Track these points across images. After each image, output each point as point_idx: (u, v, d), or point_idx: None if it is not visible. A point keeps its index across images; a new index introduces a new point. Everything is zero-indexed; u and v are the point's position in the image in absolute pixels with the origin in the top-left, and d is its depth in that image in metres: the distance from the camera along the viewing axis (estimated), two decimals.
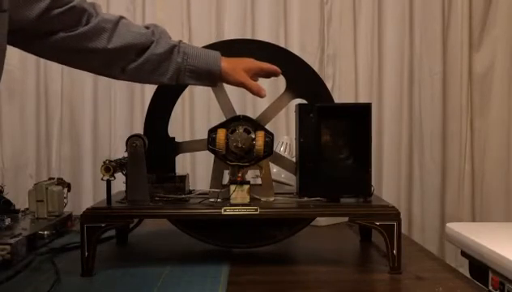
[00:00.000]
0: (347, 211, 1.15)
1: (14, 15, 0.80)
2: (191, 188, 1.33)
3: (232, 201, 1.15)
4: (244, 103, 2.02)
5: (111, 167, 1.14)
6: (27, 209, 1.45)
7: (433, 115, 2.09)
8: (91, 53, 0.96)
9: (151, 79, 1.06)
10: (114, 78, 1.06)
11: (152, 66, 1.02)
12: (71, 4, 0.91)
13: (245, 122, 1.19)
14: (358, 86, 2.09)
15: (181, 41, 1.06)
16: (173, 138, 1.29)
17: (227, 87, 1.28)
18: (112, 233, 1.31)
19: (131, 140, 1.15)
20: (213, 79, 1.07)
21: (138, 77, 1.05)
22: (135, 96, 2.03)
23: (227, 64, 1.07)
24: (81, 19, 0.93)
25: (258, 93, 1.11)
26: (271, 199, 1.21)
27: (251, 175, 1.30)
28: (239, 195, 1.15)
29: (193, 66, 1.04)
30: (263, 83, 2.06)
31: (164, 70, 1.03)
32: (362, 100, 2.05)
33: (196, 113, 2.05)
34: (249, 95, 1.95)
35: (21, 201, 1.49)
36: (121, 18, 1.00)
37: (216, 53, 1.08)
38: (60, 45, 0.93)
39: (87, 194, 2.00)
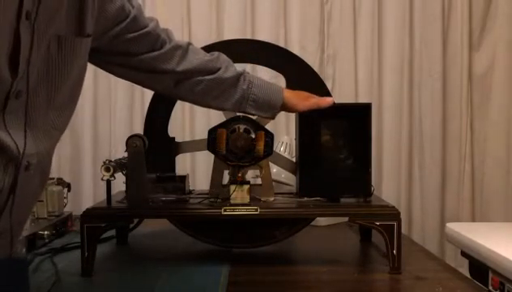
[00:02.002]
0: (347, 211, 1.15)
1: (93, 37, 0.82)
2: (191, 188, 1.33)
3: (232, 201, 1.15)
4: None
5: (111, 167, 1.14)
6: None
7: (432, 115, 2.09)
8: (160, 74, 0.99)
9: (216, 105, 1.08)
10: (181, 99, 1.10)
11: (219, 91, 1.04)
12: (146, 30, 0.94)
13: (245, 122, 1.19)
14: (358, 86, 2.09)
15: (245, 70, 1.08)
16: (173, 138, 1.29)
17: None
18: (112, 233, 1.31)
19: (131, 140, 1.15)
20: (273, 109, 1.08)
21: (204, 100, 1.07)
22: (135, 96, 2.03)
23: (290, 94, 1.10)
24: (155, 44, 0.97)
25: (329, 104, 1.13)
26: (271, 199, 1.21)
27: (251, 175, 1.30)
28: (239, 195, 1.15)
29: (255, 96, 1.06)
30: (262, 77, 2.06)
31: (228, 96, 1.05)
32: (362, 100, 2.04)
33: (196, 113, 2.04)
34: None
35: None
36: (190, 44, 1.04)
37: (279, 86, 1.10)
38: (132, 65, 0.96)
39: (87, 194, 2.00)
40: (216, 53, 1.07)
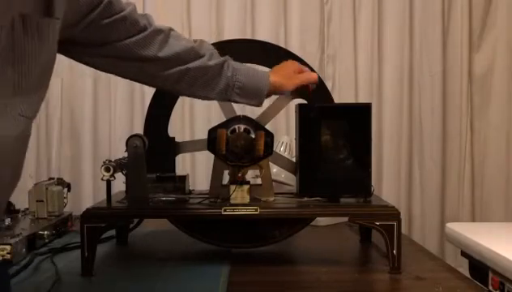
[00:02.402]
0: (347, 211, 1.15)
1: (64, 25, 0.78)
2: (191, 188, 1.33)
3: (232, 201, 1.15)
4: None
5: (111, 167, 1.14)
6: (27, 209, 1.45)
7: (432, 115, 2.09)
8: (142, 62, 0.95)
9: (201, 94, 1.05)
10: (166, 90, 1.06)
11: (204, 80, 1.01)
12: (122, 14, 0.90)
13: (245, 122, 1.19)
14: (358, 86, 2.09)
15: (228, 57, 1.05)
16: (173, 138, 1.29)
17: None
18: (112, 233, 1.31)
19: (131, 140, 1.15)
20: (260, 96, 1.06)
21: (190, 91, 1.04)
22: (135, 96, 2.03)
23: (276, 76, 1.07)
24: (133, 30, 0.93)
25: (314, 81, 1.12)
26: (271, 199, 1.21)
27: (251, 175, 1.30)
28: (239, 195, 1.15)
29: (241, 83, 1.03)
30: None
31: (214, 85, 1.02)
32: (362, 100, 2.04)
33: (196, 113, 2.04)
34: None
35: (21, 201, 1.49)
36: (171, 30, 1.00)
37: (264, 71, 1.08)
38: (112, 54, 0.92)
39: (87, 194, 2.00)
40: (199, 40, 1.04)
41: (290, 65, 1.13)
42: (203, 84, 1.02)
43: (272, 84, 1.06)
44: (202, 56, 1.00)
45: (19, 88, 0.68)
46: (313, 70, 1.21)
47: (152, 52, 0.95)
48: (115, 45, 0.91)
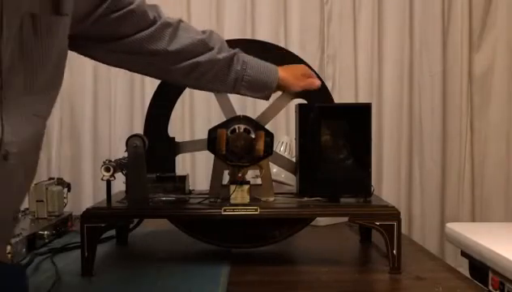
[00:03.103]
0: (347, 211, 1.15)
1: (74, 20, 0.78)
2: (191, 188, 1.33)
3: (232, 201, 1.15)
4: (244, 103, 2.01)
5: (111, 167, 1.14)
6: (27, 209, 1.45)
7: (432, 115, 2.09)
8: (152, 56, 0.95)
9: (210, 87, 1.06)
10: (175, 83, 1.06)
11: (213, 73, 1.01)
12: (131, 7, 0.90)
13: (245, 122, 1.19)
14: (358, 86, 2.09)
15: (238, 50, 1.05)
16: (173, 138, 1.29)
17: None
18: (112, 233, 1.31)
19: (131, 140, 1.15)
20: (268, 90, 1.07)
21: (199, 84, 1.04)
22: (135, 96, 2.03)
23: (285, 74, 1.08)
24: (142, 22, 0.93)
25: (317, 88, 1.15)
26: (271, 199, 1.21)
27: (251, 175, 1.30)
28: (239, 195, 1.15)
29: (250, 76, 1.04)
30: None
31: (223, 78, 1.03)
32: (362, 100, 2.04)
33: (196, 113, 2.04)
34: None
35: None
36: (181, 21, 1.00)
37: (274, 66, 1.08)
38: (123, 49, 0.92)
39: (87, 194, 2.00)
40: (208, 31, 1.03)
41: (300, 67, 1.15)
42: (212, 77, 1.02)
43: (280, 80, 1.07)
44: (211, 48, 1.00)
45: (31, 87, 0.68)
46: (317, 75, 1.23)
47: (162, 46, 0.94)
48: (125, 40, 0.91)
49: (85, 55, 0.92)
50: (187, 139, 1.86)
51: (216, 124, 1.20)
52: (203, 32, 1.02)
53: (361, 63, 2.09)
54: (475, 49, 2.10)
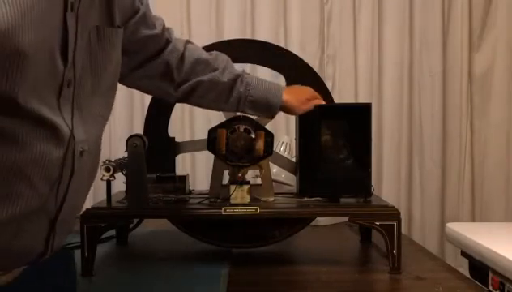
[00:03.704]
0: (347, 211, 1.15)
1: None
2: (191, 188, 1.33)
3: (232, 201, 1.15)
4: None
5: (111, 167, 1.14)
6: None
7: (432, 115, 2.10)
8: (160, 80, 1.01)
9: (213, 106, 1.10)
10: (180, 102, 1.10)
11: (216, 93, 1.04)
12: (155, 32, 0.96)
13: (245, 122, 1.19)
14: (358, 86, 2.09)
15: (244, 71, 1.07)
16: (173, 138, 1.29)
17: None
18: (112, 233, 1.31)
19: (131, 140, 1.15)
20: (272, 111, 1.08)
21: (203, 103, 1.08)
22: (135, 96, 2.03)
23: (289, 96, 1.08)
24: (159, 46, 0.98)
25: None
26: (271, 199, 1.21)
27: (251, 175, 1.30)
28: (239, 195, 1.15)
29: (253, 97, 1.05)
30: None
31: (225, 98, 1.05)
32: (362, 100, 2.05)
33: (196, 113, 2.04)
34: None
35: None
36: (188, 43, 1.04)
37: (279, 87, 1.09)
38: (141, 74, 0.98)
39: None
40: (215, 53, 1.06)
41: (306, 90, 1.14)
42: (215, 97, 1.05)
43: (284, 103, 1.07)
44: (215, 69, 1.03)
45: (96, 90, 0.74)
46: (329, 94, 1.24)
47: (170, 73, 1.00)
48: (146, 66, 0.98)
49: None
50: (187, 139, 1.86)
51: (216, 124, 1.20)
52: (210, 53, 1.06)
53: (361, 63, 2.09)
54: (475, 49, 2.10)
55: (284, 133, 1.89)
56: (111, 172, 1.14)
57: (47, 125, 0.63)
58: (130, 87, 1.04)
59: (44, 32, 0.60)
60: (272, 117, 1.11)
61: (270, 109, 1.07)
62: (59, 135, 0.64)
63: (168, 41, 0.99)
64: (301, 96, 1.11)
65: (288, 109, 1.09)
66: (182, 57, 1.01)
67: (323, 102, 1.15)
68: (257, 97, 1.05)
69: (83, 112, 0.70)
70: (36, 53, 0.59)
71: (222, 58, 1.06)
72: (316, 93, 1.14)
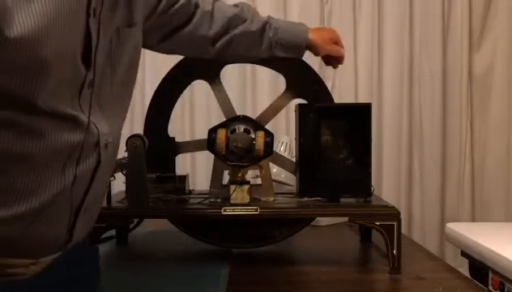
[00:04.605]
0: (347, 211, 1.15)
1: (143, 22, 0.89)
2: (191, 188, 1.33)
3: (232, 201, 1.15)
4: (244, 103, 2.02)
5: None
6: None
7: (432, 115, 2.10)
8: (196, 41, 1.07)
9: (246, 54, 1.15)
10: (216, 58, 1.14)
11: (248, 43, 1.11)
12: (180, 3, 1.01)
13: (245, 122, 1.19)
14: (358, 86, 2.09)
15: (270, 17, 1.14)
16: (173, 138, 1.29)
17: (227, 87, 1.29)
18: (112, 233, 1.30)
19: (131, 140, 1.14)
20: (300, 50, 1.15)
21: (237, 53, 1.14)
22: (135, 96, 2.02)
23: (315, 36, 1.15)
24: (189, 12, 1.04)
25: (340, 59, 1.20)
26: (271, 199, 1.21)
27: (251, 175, 1.30)
28: (239, 195, 1.15)
29: (283, 40, 1.12)
30: (263, 81, 2.06)
31: (258, 46, 1.12)
32: (362, 100, 2.05)
33: (196, 113, 2.04)
34: (249, 95, 1.95)
35: None
36: (215, 1, 1.09)
37: (304, 26, 1.16)
38: (175, 41, 1.04)
39: None
40: (240, 5, 1.12)
41: (329, 31, 1.21)
42: (248, 46, 1.12)
43: (310, 41, 1.14)
44: (244, 21, 1.10)
45: (116, 84, 0.77)
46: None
47: (204, 32, 1.06)
48: (178, 34, 1.03)
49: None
50: (187, 139, 1.86)
51: (216, 124, 1.20)
52: (235, 5, 1.12)
53: (361, 63, 2.09)
54: (475, 49, 2.10)
55: (284, 133, 1.89)
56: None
57: (67, 119, 0.65)
58: (167, 53, 1.10)
59: (67, 40, 0.62)
60: (300, 56, 1.17)
61: (298, 49, 1.14)
62: (80, 129, 0.67)
63: (196, 6, 1.04)
64: (325, 36, 1.17)
65: (313, 48, 1.15)
66: (212, 17, 1.06)
67: (343, 50, 1.20)
68: (286, 39, 1.12)
69: (103, 106, 0.73)
70: (59, 60, 0.61)
71: (247, 8, 1.12)
72: (338, 37, 1.19)
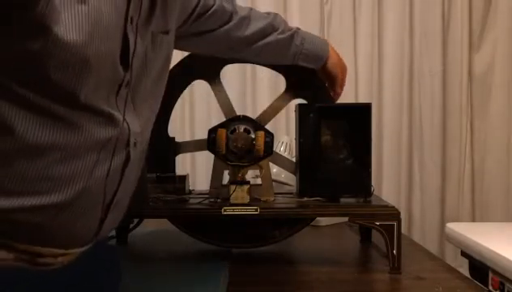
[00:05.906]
0: (347, 211, 1.15)
1: (176, 29, 0.94)
2: (191, 188, 1.33)
3: (232, 201, 1.15)
4: (244, 103, 2.02)
5: None
6: None
7: (432, 115, 2.10)
8: (231, 43, 1.13)
9: (273, 61, 1.23)
10: (245, 61, 1.26)
11: (277, 50, 1.17)
12: (213, 9, 1.06)
13: (245, 122, 1.19)
14: (358, 86, 2.09)
15: (298, 28, 1.19)
16: (173, 138, 1.29)
17: (227, 87, 1.29)
18: (112, 233, 1.30)
19: None
20: (320, 61, 1.20)
21: (265, 60, 1.22)
22: None
23: (334, 54, 1.22)
24: (224, 19, 1.09)
25: (336, 96, 1.26)
26: (271, 199, 1.21)
27: (251, 175, 1.30)
28: (239, 195, 1.15)
29: (307, 50, 1.18)
30: (263, 81, 2.06)
31: (285, 53, 1.18)
32: (362, 100, 2.05)
33: (196, 113, 2.05)
34: (249, 95, 1.96)
35: None
36: (251, 9, 1.16)
37: (325, 41, 1.23)
38: (206, 40, 1.09)
39: None
40: (272, 14, 1.17)
41: (344, 67, 1.26)
42: (276, 54, 1.18)
43: (329, 54, 1.20)
44: (277, 29, 1.15)
45: (149, 85, 0.82)
46: (327, 90, 1.29)
47: (240, 34, 1.12)
48: (210, 34, 1.09)
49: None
50: (187, 139, 1.86)
51: (216, 124, 1.20)
52: (268, 13, 1.18)
53: (361, 63, 2.09)
54: (475, 49, 2.11)
55: (284, 133, 1.89)
56: None
57: (104, 115, 0.70)
58: (200, 53, 1.18)
59: (107, 44, 0.68)
60: (318, 67, 1.22)
61: (319, 60, 1.20)
62: (114, 125, 0.72)
63: (231, 11, 1.09)
64: (340, 62, 1.24)
65: (328, 59, 1.21)
66: (250, 22, 1.12)
67: (339, 95, 1.26)
68: (310, 50, 1.18)
69: (136, 107, 0.78)
70: (99, 62, 0.66)
71: (279, 19, 1.18)
72: (344, 76, 1.25)
